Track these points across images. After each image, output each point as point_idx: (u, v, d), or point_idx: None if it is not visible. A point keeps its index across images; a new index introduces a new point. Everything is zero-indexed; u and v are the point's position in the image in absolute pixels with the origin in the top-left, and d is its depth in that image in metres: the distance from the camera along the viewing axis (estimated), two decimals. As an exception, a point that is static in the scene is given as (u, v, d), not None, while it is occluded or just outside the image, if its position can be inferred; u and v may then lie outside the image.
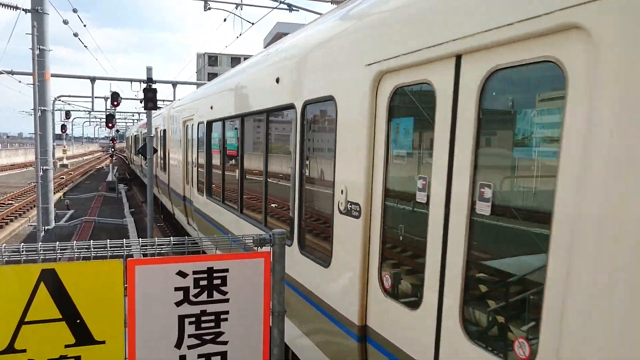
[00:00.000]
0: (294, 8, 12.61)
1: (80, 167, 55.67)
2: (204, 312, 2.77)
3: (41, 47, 11.81)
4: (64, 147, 56.81)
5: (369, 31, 3.65)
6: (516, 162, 2.55)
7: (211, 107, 9.26)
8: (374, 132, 3.56)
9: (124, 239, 2.62)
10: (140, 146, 13.74)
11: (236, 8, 13.65)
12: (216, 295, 2.77)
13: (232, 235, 7.09)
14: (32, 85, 12.46)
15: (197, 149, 10.46)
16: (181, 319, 2.73)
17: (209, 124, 9.38)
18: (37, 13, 11.92)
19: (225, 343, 2.84)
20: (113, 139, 38.89)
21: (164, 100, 44.79)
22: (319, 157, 4.64)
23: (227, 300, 2.80)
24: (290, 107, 5.00)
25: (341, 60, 4.03)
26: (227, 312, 2.82)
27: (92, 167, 56.02)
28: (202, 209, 10.03)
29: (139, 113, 58.72)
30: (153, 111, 11.39)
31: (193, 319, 2.75)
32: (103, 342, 2.57)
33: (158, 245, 2.61)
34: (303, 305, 4.62)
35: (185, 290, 2.71)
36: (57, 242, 2.46)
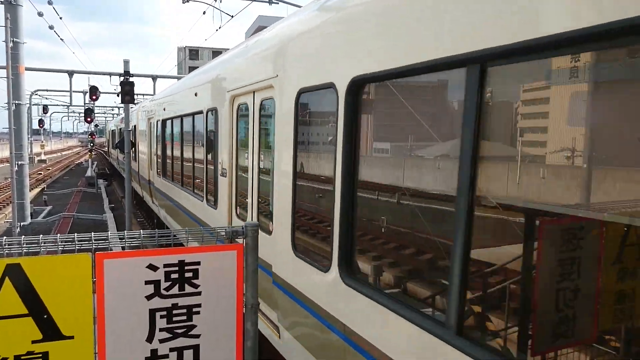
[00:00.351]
0: (273, 1, 12.50)
1: (59, 162, 54.77)
2: (175, 306, 2.74)
3: (15, 39, 11.55)
4: (42, 142, 55.83)
5: (228, 74, 6.99)
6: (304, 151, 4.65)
7: (164, 109, 12.17)
8: (234, 128, 6.67)
9: (92, 232, 2.57)
10: (117, 140, 15.78)
11: (215, 0, 13.50)
12: (188, 289, 2.75)
13: (178, 205, 10.72)
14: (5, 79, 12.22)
15: (157, 142, 13.22)
16: (152, 312, 2.69)
17: (164, 121, 12.15)
18: (11, 5, 11.63)
19: (197, 336, 2.82)
20: (92, 134, 38.33)
21: (144, 95, 44.48)
22: (213, 143, 7.50)
23: (199, 294, 2.78)
24: (200, 112, 8.27)
25: (220, 87, 7.26)
26: (199, 306, 2.79)
27: (71, 163, 55.18)
28: (160, 187, 13.02)
29: (118, 107, 57.99)
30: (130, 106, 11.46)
31: (164, 313, 2.72)
32: (72, 337, 2.53)
33: (128, 238, 2.57)
34: None
35: (156, 283, 2.67)
36: (23, 237, 2.40)
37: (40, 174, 39.32)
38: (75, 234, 2.52)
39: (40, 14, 13.60)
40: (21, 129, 12.22)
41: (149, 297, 2.68)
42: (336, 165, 3.70)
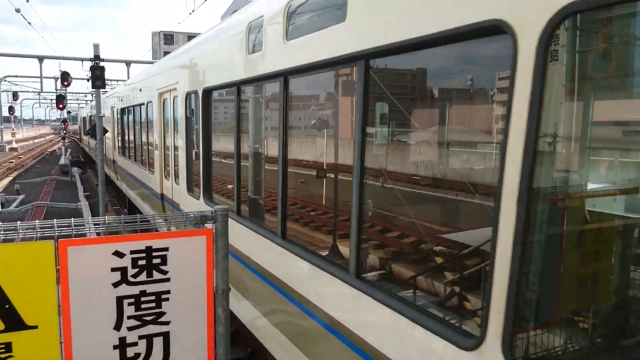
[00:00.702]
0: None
1: (31, 150, 53.48)
2: (143, 293, 2.68)
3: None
4: (13, 129, 54.41)
5: (157, 78, 9.28)
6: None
7: (121, 100, 14.97)
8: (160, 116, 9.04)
9: (55, 219, 2.49)
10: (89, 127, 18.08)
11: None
12: (156, 275, 2.69)
13: (130, 175, 13.55)
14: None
15: (117, 126, 16.53)
16: (119, 300, 2.64)
17: (122, 110, 14.97)
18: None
19: (167, 323, 2.77)
20: (65, 121, 37.47)
21: (118, 80, 43.70)
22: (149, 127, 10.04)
23: (167, 280, 2.72)
24: (142, 104, 10.74)
25: (152, 87, 9.44)
26: (168, 292, 2.74)
27: (44, 150, 53.92)
28: (121, 165, 16.10)
29: (91, 94, 56.87)
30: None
31: (132, 300, 2.66)
32: (35, 327, 2.46)
33: (93, 224, 2.50)
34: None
35: (123, 270, 2.61)
36: (-22, 224, 2.31)
37: (12, 162, 38.37)
38: (37, 220, 2.43)
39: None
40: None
41: (115, 285, 2.61)
42: (200, 141, 6.50)
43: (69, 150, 44.22)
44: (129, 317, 2.68)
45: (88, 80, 9.88)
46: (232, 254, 4.29)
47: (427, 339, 2.50)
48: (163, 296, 2.73)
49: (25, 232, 2.38)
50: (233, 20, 5.66)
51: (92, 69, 9.63)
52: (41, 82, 36.87)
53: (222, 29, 6.10)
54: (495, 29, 2.11)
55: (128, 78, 39.13)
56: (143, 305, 2.69)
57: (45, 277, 2.44)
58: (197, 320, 2.82)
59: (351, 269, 3.13)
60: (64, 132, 37.28)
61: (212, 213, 2.80)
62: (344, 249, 3.82)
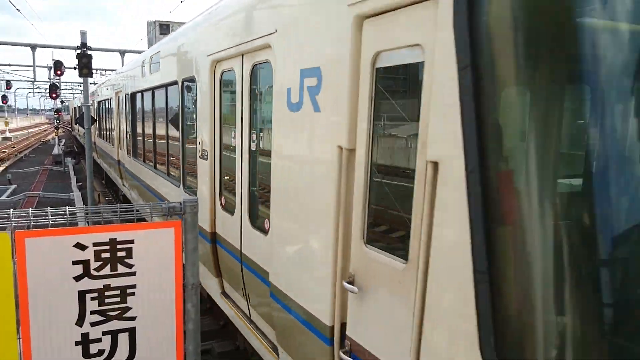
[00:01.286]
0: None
1: (24, 139, 53.07)
2: (107, 287, 2.56)
3: (-36, 8, 10.83)
4: (6, 119, 53.99)
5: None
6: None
7: (97, 95, 19.14)
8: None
9: (11, 209, 2.37)
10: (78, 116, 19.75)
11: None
12: (121, 269, 2.57)
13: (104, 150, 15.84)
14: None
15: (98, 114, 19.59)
16: (81, 294, 2.51)
17: (98, 103, 19.02)
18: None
19: (133, 319, 2.66)
20: (58, 110, 37.19)
21: (112, 70, 43.56)
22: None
23: (133, 274, 2.60)
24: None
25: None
26: (134, 287, 2.62)
27: (37, 140, 53.51)
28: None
29: (79, 83, 56.55)
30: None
31: (95, 295, 2.54)
32: (-9, 323, 2.34)
33: (52, 215, 2.37)
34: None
35: (85, 263, 2.49)
36: None
37: (5, 151, 38.05)
38: (-8, 210, 2.30)
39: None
40: (-26, 104, 11.60)
41: (77, 278, 2.49)
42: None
43: (63, 140, 43.94)
44: (92, 312, 2.56)
45: (75, 68, 9.67)
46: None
47: None
48: (128, 291, 2.61)
49: (55, 219, 2.25)
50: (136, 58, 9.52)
51: (79, 57, 9.44)
52: (34, 71, 36.53)
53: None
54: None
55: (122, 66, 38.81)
56: (107, 300, 2.57)
57: (3, 270, 2.32)
58: (165, 316, 2.70)
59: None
60: (57, 121, 37.00)
61: (180, 204, 2.67)
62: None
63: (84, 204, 19.75)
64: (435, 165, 2.18)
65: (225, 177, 5.29)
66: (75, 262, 2.46)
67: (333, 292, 2.92)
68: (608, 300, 1.97)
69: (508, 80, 2.04)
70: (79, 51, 9.68)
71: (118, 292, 2.59)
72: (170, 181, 7.72)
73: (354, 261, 2.81)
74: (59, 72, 21.60)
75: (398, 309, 2.52)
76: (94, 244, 2.47)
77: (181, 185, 6.89)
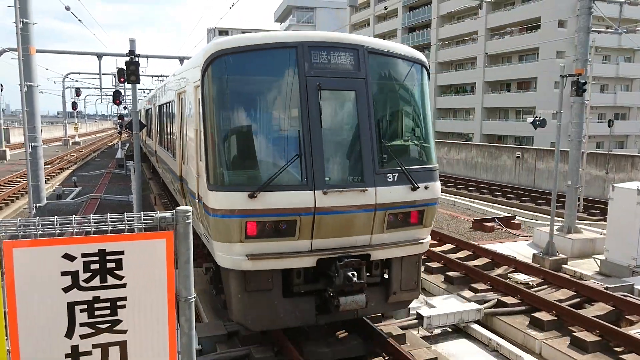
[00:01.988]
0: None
1: (92, 144, 55.97)
2: (97, 299, 2.51)
3: (25, 20, 11.51)
4: (76, 124, 57.04)
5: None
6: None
7: (149, 102, 21.62)
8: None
9: (1, 219, 2.36)
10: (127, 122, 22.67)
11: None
12: (111, 280, 2.51)
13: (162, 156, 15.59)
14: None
15: (146, 120, 22.59)
16: (71, 306, 2.48)
17: (147, 110, 22.61)
18: (20, -15, 11.58)
19: (124, 332, 2.59)
20: (121, 116, 38.89)
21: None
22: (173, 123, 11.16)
23: (123, 286, 2.54)
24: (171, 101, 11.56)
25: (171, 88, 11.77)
26: (124, 299, 2.56)
27: (103, 144, 56.32)
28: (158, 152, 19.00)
29: (148, 90, 59.17)
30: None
31: (85, 307, 2.49)
32: (-21, 333, 2.34)
33: (41, 225, 2.35)
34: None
35: (74, 274, 2.45)
36: None
37: (73, 155, 40.21)
38: (-19, 220, 2.30)
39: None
40: (34, 111, 12.23)
41: (66, 290, 2.46)
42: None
43: (127, 144, 45.88)
44: (81, 325, 2.52)
45: (121, 74, 9.98)
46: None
47: None
48: (119, 303, 2.55)
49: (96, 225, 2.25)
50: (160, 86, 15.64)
51: (127, 64, 9.73)
52: (100, 78, 38.42)
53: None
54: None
55: None
56: (97, 312, 2.52)
57: (-10, 279, 2.32)
58: (157, 329, 2.62)
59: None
60: (120, 127, 38.76)
61: (172, 214, 2.59)
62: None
63: (141, 206, 20.48)
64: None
65: (181, 150, 9.27)
66: (63, 273, 2.43)
67: (196, 180, 7.19)
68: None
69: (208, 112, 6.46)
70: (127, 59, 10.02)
71: (108, 304, 2.54)
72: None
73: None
74: (122, 79, 22.58)
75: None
76: (83, 255, 2.43)
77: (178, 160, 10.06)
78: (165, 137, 12.55)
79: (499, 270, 11.72)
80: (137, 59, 9.77)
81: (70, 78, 49.46)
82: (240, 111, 6.48)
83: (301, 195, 6.14)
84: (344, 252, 6.50)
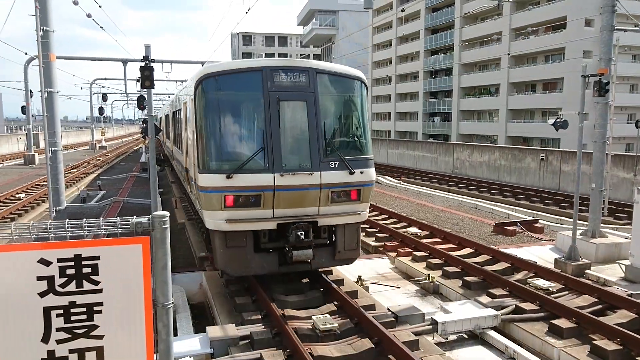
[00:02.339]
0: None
1: (117, 148, 57.06)
2: (73, 304, 2.50)
3: (45, 28, 11.75)
4: (102, 129, 58.21)
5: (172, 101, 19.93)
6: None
7: (169, 107, 22.86)
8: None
9: (-24, 224, 2.36)
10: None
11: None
12: (87, 285, 2.49)
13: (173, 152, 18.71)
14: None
15: (166, 125, 24.62)
16: (47, 310, 2.47)
17: (166, 115, 23.74)
18: (40, -7, 11.84)
19: (100, 337, 2.57)
20: (144, 121, 39.50)
21: None
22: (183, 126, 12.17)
23: (99, 291, 2.52)
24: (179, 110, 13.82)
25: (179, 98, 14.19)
26: (100, 304, 2.53)
27: (129, 149, 57.37)
28: (171, 150, 20.63)
29: (170, 94, 60.50)
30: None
31: (61, 311, 2.48)
32: (-45, 338, 2.35)
33: (15, 230, 2.34)
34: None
35: (50, 279, 2.44)
36: None
37: (99, 159, 41.04)
38: (-44, 225, 2.31)
39: (75, 3, 13.85)
40: (54, 116, 12.45)
41: (42, 294, 2.45)
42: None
43: (151, 148, 46.53)
44: (57, 330, 2.51)
45: (138, 80, 10.12)
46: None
47: None
48: (95, 308, 2.53)
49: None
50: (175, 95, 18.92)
51: (141, 69, 9.84)
52: (125, 84, 39.08)
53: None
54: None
55: None
56: (73, 317, 2.51)
57: (-35, 284, 2.32)
58: (134, 335, 2.59)
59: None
60: (144, 131, 39.43)
61: (148, 219, 2.56)
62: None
63: (162, 210, 20.75)
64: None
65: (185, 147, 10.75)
66: (39, 278, 2.43)
67: (193, 168, 9.10)
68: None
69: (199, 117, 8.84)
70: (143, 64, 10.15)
71: (84, 309, 2.52)
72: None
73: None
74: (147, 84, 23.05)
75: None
76: (59, 260, 2.42)
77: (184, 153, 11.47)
78: (177, 138, 14.87)
79: (519, 276, 11.44)
80: (151, 65, 9.86)
81: (97, 84, 50.56)
82: (220, 117, 8.68)
83: (264, 177, 8.36)
84: (297, 218, 8.72)
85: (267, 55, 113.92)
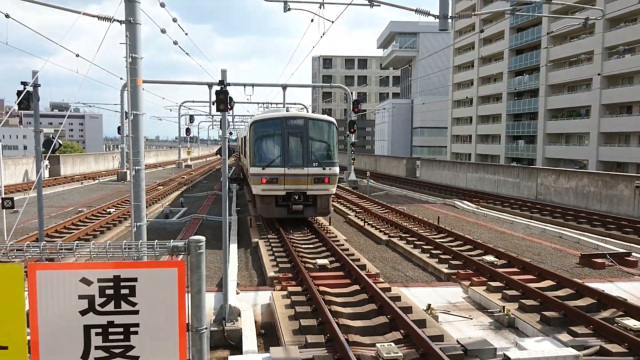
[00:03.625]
0: (375, 3, 12.08)
1: (201, 167, 59.74)
2: (111, 324, 2.56)
3: (133, 55, 12.53)
4: (189, 148, 61.24)
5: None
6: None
7: (242, 133, 34.09)
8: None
9: (26, 242, 2.50)
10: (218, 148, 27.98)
11: (320, 7, 13.50)
12: (124, 306, 2.55)
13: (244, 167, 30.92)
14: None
15: (241, 147, 31.34)
16: (87, 329, 2.55)
17: (241, 138, 33.73)
18: (130, 24, 12.68)
19: (136, 358, 2.61)
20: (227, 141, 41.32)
21: (277, 104, 49.09)
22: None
23: (136, 312, 2.57)
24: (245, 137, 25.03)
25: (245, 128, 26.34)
26: (137, 325, 2.58)
27: (212, 168, 59.88)
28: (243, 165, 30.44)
29: (250, 116, 63.68)
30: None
31: (100, 330, 2.55)
32: (6, 348, 2.48)
33: (66, 250, 2.45)
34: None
35: (91, 298, 2.52)
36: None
37: (184, 177, 43.15)
38: (9, 242, 2.46)
39: (163, 31, 14.80)
40: (138, 137, 13.19)
41: (83, 312, 2.53)
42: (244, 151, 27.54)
43: (233, 168, 48.38)
44: (96, 348, 2.58)
45: (213, 103, 10.53)
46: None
47: None
48: (132, 329, 2.58)
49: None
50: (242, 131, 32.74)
51: (216, 93, 10.23)
52: (210, 106, 41.13)
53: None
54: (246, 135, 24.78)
55: (284, 101, 42.94)
56: (111, 337, 2.57)
57: (16, 298, 2.45)
58: (169, 358, 2.61)
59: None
60: (218, 152, 41.43)
61: (184, 244, 2.58)
62: None
63: (237, 228, 21.34)
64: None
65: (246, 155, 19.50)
66: (81, 297, 2.51)
67: (248, 165, 19.34)
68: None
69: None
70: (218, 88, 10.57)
71: (122, 329, 2.58)
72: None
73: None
74: (229, 107, 24.08)
75: None
76: (99, 280, 2.50)
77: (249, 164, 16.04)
78: (244, 151, 24.05)
79: (605, 313, 10.49)
80: (226, 89, 10.23)
81: (185, 106, 53.55)
82: (261, 140, 17.34)
83: (279, 169, 16.97)
84: (296, 190, 17.21)
85: (347, 77, 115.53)
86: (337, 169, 17.67)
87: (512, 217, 25.04)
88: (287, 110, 22.68)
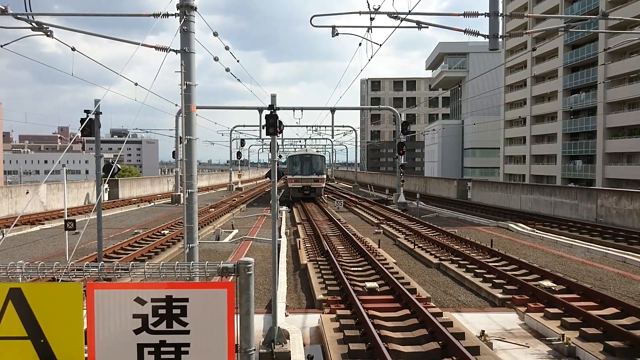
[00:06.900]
0: (423, 25, 12.09)
1: (252, 190, 60.82)
2: (163, 343, 2.62)
3: (188, 82, 13.01)
4: (240, 171, 62.58)
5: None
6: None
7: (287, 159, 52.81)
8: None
9: (86, 263, 2.62)
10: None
11: (367, 31, 13.64)
12: (176, 326, 2.61)
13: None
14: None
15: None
16: (140, 347, 2.62)
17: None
18: (185, 53, 13.20)
19: (187, 378, 2.66)
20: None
21: (326, 126, 59.34)
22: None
23: (187, 332, 2.62)
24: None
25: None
26: (187, 345, 2.63)
27: (262, 190, 60.85)
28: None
29: (303, 139, 65.94)
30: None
31: (152, 349, 2.62)
32: (65, 364, 2.59)
33: (122, 270, 2.55)
34: None
35: (144, 317, 2.60)
36: (22, 262, 2.56)
37: (235, 200, 44.03)
38: (70, 262, 2.59)
39: (216, 59, 15.34)
40: (192, 161, 13.62)
41: (137, 331, 2.61)
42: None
43: (282, 190, 49.01)
44: (149, 366, 2.64)
45: (263, 127, 10.75)
46: None
47: None
48: (182, 349, 2.63)
49: (59, 274, 2.56)
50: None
51: (266, 117, 10.45)
52: (260, 130, 42.12)
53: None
54: None
55: (332, 123, 44.61)
56: (163, 356, 2.63)
57: (75, 316, 2.56)
58: (218, 379, 2.64)
59: None
60: (268, 175, 44.88)
61: (234, 265, 2.62)
62: None
63: (287, 250, 21.47)
64: None
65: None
66: (135, 316, 2.60)
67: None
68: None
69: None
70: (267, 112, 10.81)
71: (173, 349, 2.64)
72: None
73: None
74: (278, 131, 24.46)
75: None
76: (152, 300, 2.57)
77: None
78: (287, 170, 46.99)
79: (676, 344, 9.80)
80: (275, 113, 10.44)
81: (236, 130, 54.96)
82: (291, 164, 45.51)
83: (298, 177, 44.60)
84: (305, 185, 44.31)
85: (395, 99, 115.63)
86: (324, 176, 43.01)
87: (570, 240, 23.98)
88: (304, 149, 47.19)
